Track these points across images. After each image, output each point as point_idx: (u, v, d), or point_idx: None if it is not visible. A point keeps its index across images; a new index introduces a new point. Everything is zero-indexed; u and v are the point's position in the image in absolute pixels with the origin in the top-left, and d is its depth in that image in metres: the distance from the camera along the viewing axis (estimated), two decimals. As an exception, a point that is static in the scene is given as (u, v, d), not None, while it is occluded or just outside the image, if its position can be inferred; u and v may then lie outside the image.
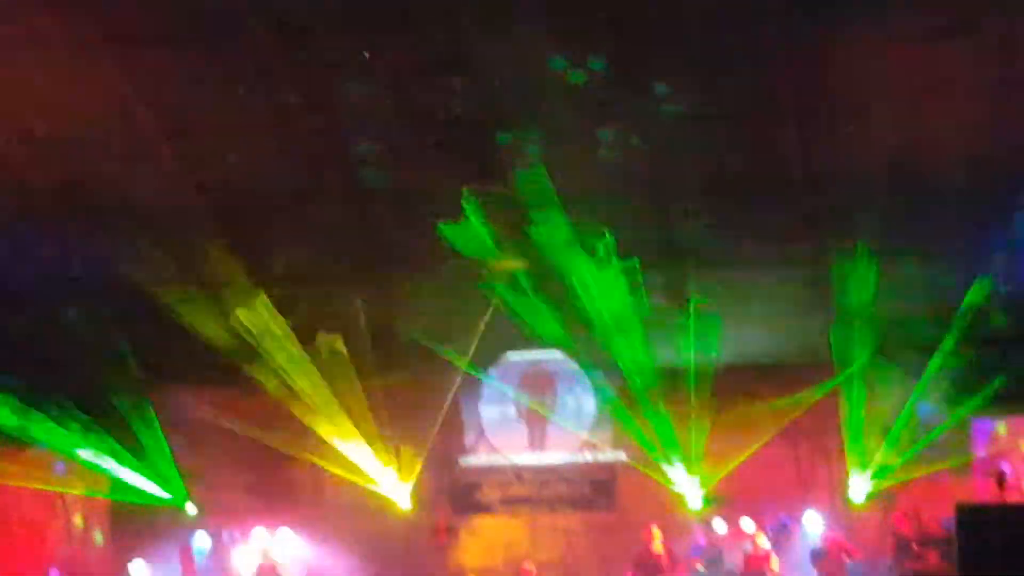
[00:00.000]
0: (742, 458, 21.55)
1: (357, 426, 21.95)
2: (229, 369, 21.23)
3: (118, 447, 22.02)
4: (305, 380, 21.45)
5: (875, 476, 21.21)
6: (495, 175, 17.33)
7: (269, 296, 20.04)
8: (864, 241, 18.45)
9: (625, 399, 22.07)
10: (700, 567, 21.00)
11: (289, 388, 21.51)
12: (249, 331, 20.34)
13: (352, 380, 21.46)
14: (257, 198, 18.18)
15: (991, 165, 16.72)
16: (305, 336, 20.78)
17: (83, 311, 19.97)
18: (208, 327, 20.13)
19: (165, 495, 22.59)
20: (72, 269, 19.36)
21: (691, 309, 20.40)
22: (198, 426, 22.45)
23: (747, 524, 21.56)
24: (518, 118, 16.61)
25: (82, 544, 22.79)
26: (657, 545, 20.89)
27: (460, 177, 17.48)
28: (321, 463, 22.29)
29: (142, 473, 22.29)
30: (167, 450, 22.59)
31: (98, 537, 22.98)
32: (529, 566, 21.56)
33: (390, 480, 22.54)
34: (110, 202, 17.91)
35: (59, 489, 22.12)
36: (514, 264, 20.01)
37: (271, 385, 21.45)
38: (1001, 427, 20.71)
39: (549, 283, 19.81)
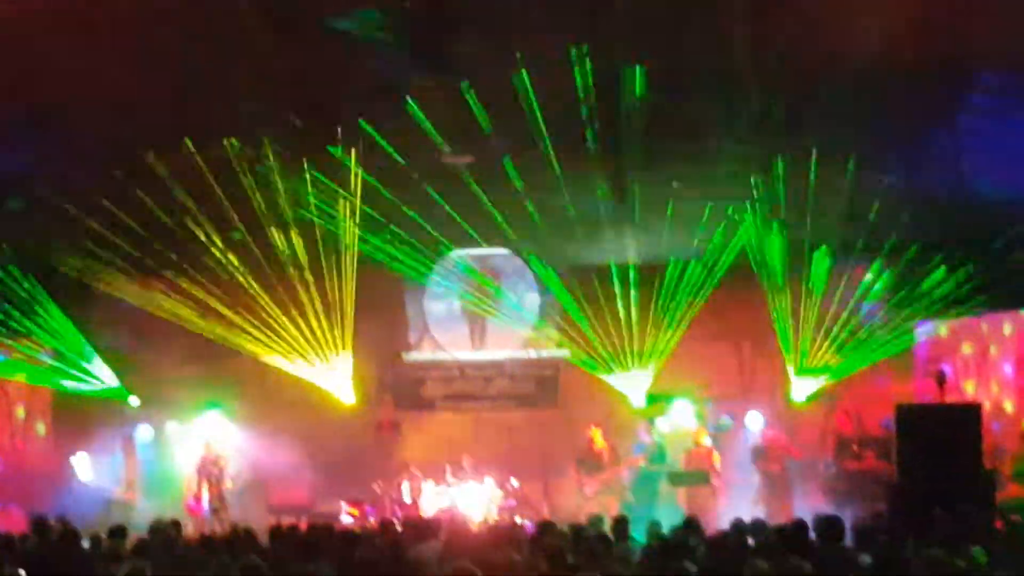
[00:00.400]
0: (670, 345, 21.80)
1: (303, 320, 21.93)
2: (174, 261, 21.14)
3: (61, 338, 21.93)
4: (252, 272, 21.38)
5: (816, 376, 21.38)
6: (444, 70, 17.12)
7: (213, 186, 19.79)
8: (809, 140, 18.43)
9: (570, 297, 22.11)
10: (643, 464, 21.16)
11: (233, 280, 21.45)
12: (197, 222, 20.20)
13: (299, 273, 21.39)
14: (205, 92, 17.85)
15: (936, 67, 16.70)
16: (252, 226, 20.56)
17: (25, 200, 19.68)
18: (153, 218, 19.92)
19: (108, 386, 22.53)
20: (14, 158, 19.07)
21: (635, 207, 20.37)
22: (142, 318, 22.33)
23: (689, 422, 21.76)
24: (467, 15, 16.37)
25: (24, 436, 22.69)
26: (599, 443, 21.08)
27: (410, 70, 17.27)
28: (265, 355, 22.26)
29: (85, 365, 22.21)
30: (110, 342, 22.53)
31: (40, 428, 22.89)
32: (466, 462, 21.63)
33: (334, 374, 22.55)
34: (53, 96, 17.56)
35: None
36: (461, 159, 19.92)
37: (216, 276, 21.42)
38: (943, 329, 20.88)
39: (494, 180, 19.70)
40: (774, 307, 21.36)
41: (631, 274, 21.84)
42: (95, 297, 22.30)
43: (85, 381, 22.30)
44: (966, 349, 20.68)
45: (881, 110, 17.39)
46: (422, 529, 13.83)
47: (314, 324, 21.97)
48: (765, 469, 20.82)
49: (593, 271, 21.95)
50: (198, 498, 20.78)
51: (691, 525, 13.53)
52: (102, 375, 22.45)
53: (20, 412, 22.58)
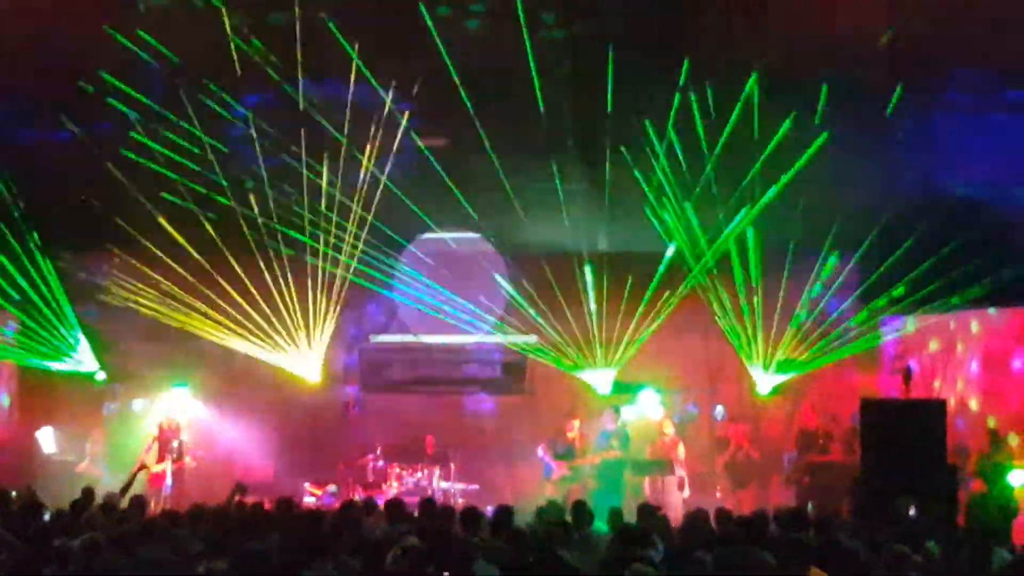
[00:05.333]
0: (639, 336, 21.73)
1: (269, 299, 21.83)
2: (138, 239, 21.01)
3: (28, 313, 21.79)
4: (218, 251, 21.24)
5: (783, 369, 21.39)
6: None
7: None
8: (784, 132, 18.46)
9: (539, 283, 22.08)
10: (614, 452, 21.07)
11: (198, 257, 21.34)
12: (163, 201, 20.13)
13: (267, 252, 21.27)
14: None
15: (909, 62, 16.75)
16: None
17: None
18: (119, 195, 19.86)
19: (75, 362, 22.41)
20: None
21: (607, 195, 20.36)
22: (109, 292, 22.22)
23: (655, 411, 21.78)
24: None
25: (-12, 409, 22.60)
26: (575, 432, 21.11)
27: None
28: (231, 335, 22.17)
29: (51, 340, 22.08)
30: (77, 317, 22.39)
31: (4, 401, 22.76)
32: (429, 443, 21.61)
33: (300, 354, 22.46)
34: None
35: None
36: (432, 141, 19.90)
37: (183, 252, 21.35)
38: (910, 325, 20.92)
39: (465, 165, 19.71)
40: (743, 303, 21.41)
41: (600, 263, 21.80)
42: (62, 272, 22.26)
43: (55, 358, 22.20)
44: (933, 346, 20.78)
45: (853, 102, 17.45)
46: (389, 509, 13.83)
47: (282, 303, 21.88)
48: (727, 461, 20.90)
49: (564, 258, 21.90)
50: (161, 474, 20.69)
51: (651, 513, 13.55)
52: (69, 350, 22.36)
53: (-17, 385, 22.50)
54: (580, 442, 21.10)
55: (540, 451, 21.22)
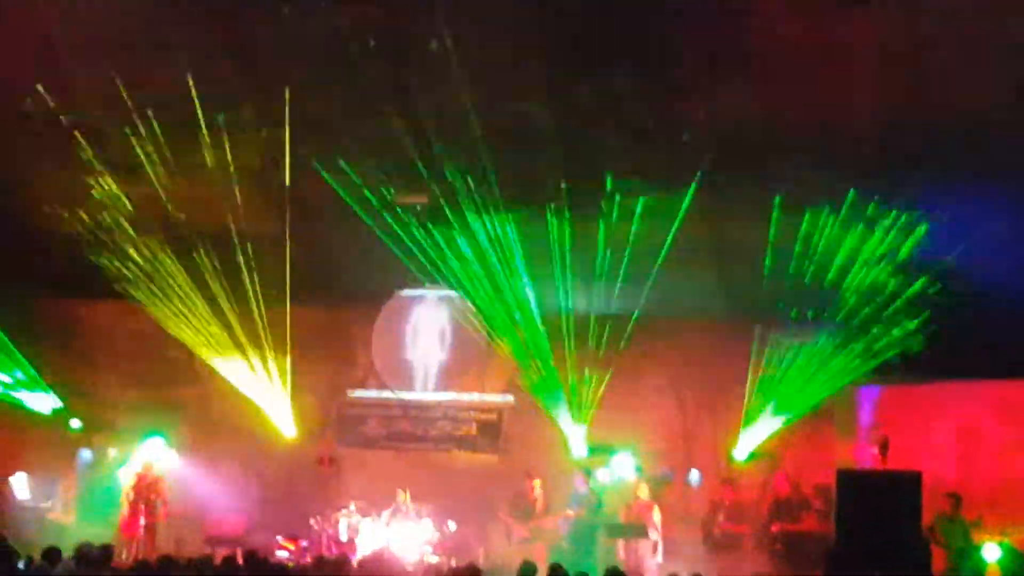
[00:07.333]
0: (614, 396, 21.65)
1: (247, 353, 21.78)
2: (118, 286, 21.02)
3: (1, 358, 21.73)
4: (198, 304, 21.23)
5: (759, 436, 21.36)
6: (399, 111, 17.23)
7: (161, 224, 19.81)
8: (767, 200, 18.56)
9: (517, 342, 22.06)
10: (580, 515, 21.04)
11: (179, 310, 21.33)
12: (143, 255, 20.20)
13: (248, 307, 21.25)
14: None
15: (892, 131, 16.89)
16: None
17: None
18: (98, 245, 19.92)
19: (50, 409, 22.31)
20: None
21: (588, 257, 20.41)
22: (87, 341, 22.16)
23: (629, 475, 21.73)
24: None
25: (-40, 455, 22.47)
26: (536, 492, 21.10)
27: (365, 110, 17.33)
28: (209, 386, 22.13)
29: (26, 386, 21.98)
30: (54, 364, 22.30)
31: (-22, 448, 22.70)
32: (400, 496, 21.52)
33: (277, 407, 22.39)
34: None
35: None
36: (415, 199, 19.97)
37: (160, 305, 21.33)
38: (886, 395, 20.95)
39: (447, 221, 19.80)
40: (718, 364, 21.41)
41: (590, 324, 21.83)
42: (37, 318, 22.21)
43: (26, 403, 22.09)
44: (908, 417, 20.75)
45: (843, 162, 17.60)
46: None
47: (261, 358, 21.83)
48: (705, 528, 20.84)
49: (543, 318, 21.90)
50: (134, 524, 20.61)
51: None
52: (43, 400, 22.25)
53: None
54: (542, 502, 21.09)
55: (501, 513, 21.29)
